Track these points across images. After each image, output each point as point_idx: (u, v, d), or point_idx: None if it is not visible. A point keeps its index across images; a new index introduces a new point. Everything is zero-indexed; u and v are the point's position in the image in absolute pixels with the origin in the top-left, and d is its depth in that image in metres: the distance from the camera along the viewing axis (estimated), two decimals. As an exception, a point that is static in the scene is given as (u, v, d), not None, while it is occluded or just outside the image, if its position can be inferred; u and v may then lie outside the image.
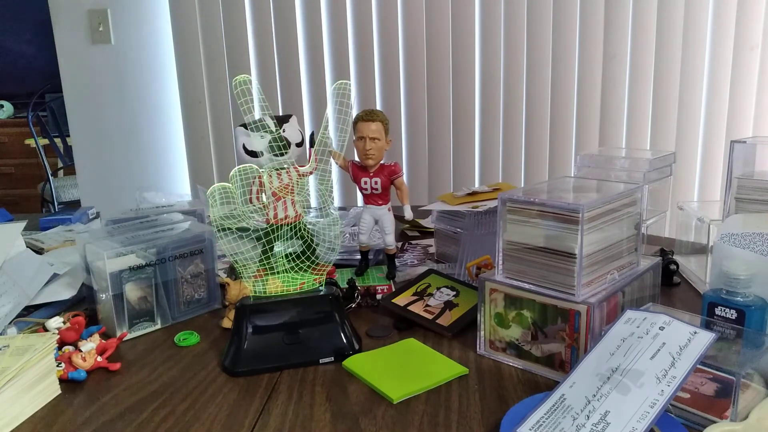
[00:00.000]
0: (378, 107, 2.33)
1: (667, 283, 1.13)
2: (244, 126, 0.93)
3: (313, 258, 0.94)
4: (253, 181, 0.95)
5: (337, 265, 1.22)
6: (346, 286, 1.08)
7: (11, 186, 4.36)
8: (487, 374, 0.84)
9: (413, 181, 2.36)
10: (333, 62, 2.33)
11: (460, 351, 0.91)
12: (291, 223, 0.94)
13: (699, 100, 2.23)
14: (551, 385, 0.76)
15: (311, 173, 0.97)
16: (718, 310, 0.80)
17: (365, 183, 1.13)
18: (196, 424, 0.74)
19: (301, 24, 2.31)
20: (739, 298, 0.78)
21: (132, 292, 0.99)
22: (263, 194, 0.95)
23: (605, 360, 0.69)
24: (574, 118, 2.30)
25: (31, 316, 1.04)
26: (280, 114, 0.96)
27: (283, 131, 0.93)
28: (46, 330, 0.96)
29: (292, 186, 0.94)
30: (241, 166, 0.91)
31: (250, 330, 0.88)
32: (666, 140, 2.26)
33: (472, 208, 1.18)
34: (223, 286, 1.04)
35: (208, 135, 2.44)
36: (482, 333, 0.89)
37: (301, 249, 0.94)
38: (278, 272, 0.93)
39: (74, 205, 3.47)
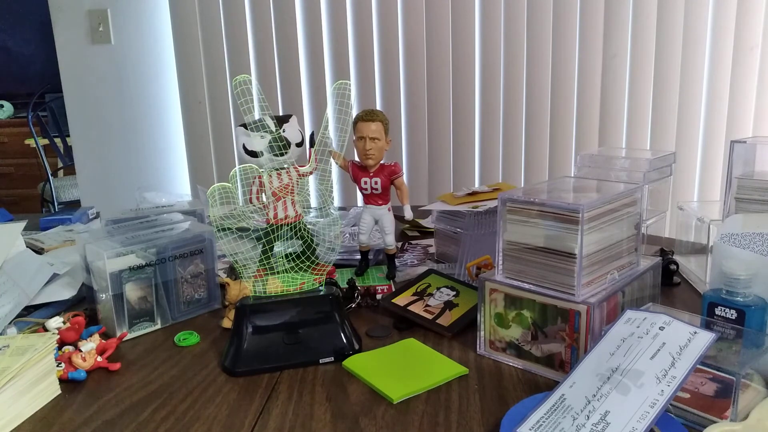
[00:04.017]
0: (378, 107, 2.33)
1: (667, 283, 1.13)
2: (244, 126, 0.93)
3: (313, 258, 0.94)
4: (253, 181, 0.95)
5: (337, 265, 1.22)
6: (346, 286, 1.08)
7: (11, 186, 4.36)
8: (487, 374, 0.84)
9: (413, 181, 2.36)
10: (333, 62, 2.33)
11: (460, 351, 0.91)
12: (291, 223, 0.94)
13: (699, 100, 2.23)
14: (551, 385, 0.76)
15: (311, 173, 0.97)
16: (718, 310, 0.80)
17: (365, 183, 1.13)
18: (196, 424, 0.74)
19: (301, 24, 2.31)
20: (739, 298, 0.78)
21: (132, 292, 0.99)
22: (263, 194, 0.95)
23: (605, 360, 0.69)
24: (574, 118, 2.30)
25: (31, 316, 1.04)
26: (280, 114, 0.96)
27: (283, 131, 0.94)
28: (46, 330, 0.96)
29: (292, 186, 0.94)
30: (241, 166, 0.91)
31: (250, 330, 0.88)
32: (666, 140, 2.26)
33: (472, 208, 1.18)
34: (223, 286, 1.04)
35: (208, 135, 2.44)
36: (482, 333, 0.89)
37: (301, 249, 0.94)
38: (278, 272, 0.93)
39: (74, 205, 3.47)
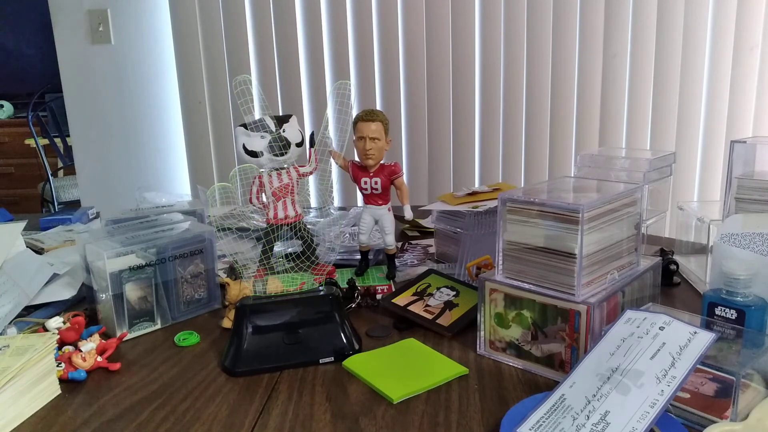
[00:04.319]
0: (378, 107, 2.33)
1: (667, 283, 1.13)
2: (244, 126, 0.93)
3: (313, 258, 0.94)
4: (253, 181, 0.95)
5: (337, 265, 1.22)
6: (346, 286, 1.08)
7: (11, 186, 4.36)
8: (487, 374, 0.84)
9: (413, 181, 2.36)
10: (333, 62, 2.33)
11: (460, 351, 0.91)
12: (291, 223, 0.94)
13: (699, 100, 2.23)
14: (551, 385, 0.76)
15: (311, 173, 0.97)
16: (718, 310, 0.80)
17: (365, 183, 1.13)
18: (196, 424, 0.74)
19: (301, 24, 2.31)
20: (739, 298, 0.78)
21: (132, 292, 0.99)
22: (263, 194, 0.95)
23: (605, 360, 0.69)
24: (574, 118, 2.30)
25: (31, 316, 1.04)
26: (280, 114, 0.96)
27: (283, 131, 0.94)
28: (46, 330, 0.96)
29: (292, 186, 0.94)
30: (241, 166, 0.91)
31: (250, 330, 0.88)
32: (666, 140, 2.26)
33: (472, 208, 1.18)
34: (223, 286, 1.04)
35: (208, 135, 2.44)
36: (482, 333, 0.89)
37: (301, 249, 0.94)
38: (278, 272, 0.93)
39: (74, 205, 3.47)
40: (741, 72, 2.18)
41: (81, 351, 0.88)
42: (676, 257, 1.19)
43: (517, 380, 0.82)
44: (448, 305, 1.01)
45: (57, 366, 0.84)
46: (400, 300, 1.03)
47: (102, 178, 2.49)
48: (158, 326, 1.03)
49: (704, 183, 2.29)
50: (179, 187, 2.48)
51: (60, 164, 3.79)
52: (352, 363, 0.86)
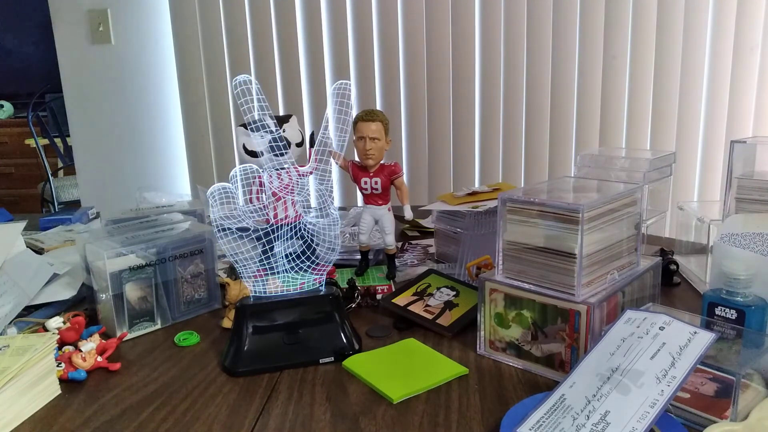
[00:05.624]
0: (378, 107, 2.33)
1: (667, 283, 1.13)
2: (244, 126, 0.93)
3: (313, 258, 0.94)
4: (253, 181, 0.95)
5: (337, 265, 1.22)
6: (346, 286, 1.08)
7: (11, 186, 4.36)
8: (487, 374, 0.84)
9: (413, 181, 2.36)
10: (333, 62, 2.33)
11: (460, 351, 0.91)
12: (291, 223, 0.94)
13: (699, 100, 2.23)
14: (551, 385, 0.76)
15: (311, 173, 0.97)
16: (718, 310, 0.80)
17: (365, 183, 1.13)
18: (196, 424, 0.74)
19: (301, 24, 2.31)
20: (739, 298, 0.79)
21: (132, 292, 0.99)
22: (263, 194, 0.95)
23: (605, 360, 0.69)
24: (574, 118, 2.30)
25: (31, 316, 1.04)
26: (280, 114, 0.96)
27: (283, 131, 0.94)
28: (46, 330, 0.96)
29: (292, 186, 0.94)
30: (241, 166, 0.91)
31: (250, 330, 0.88)
32: (666, 140, 2.26)
33: (472, 208, 1.18)
34: (223, 286, 1.04)
35: (208, 135, 2.44)
36: (482, 333, 0.89)
37: (301, 249, 0.94)
38: (278, 272, 0.93)
39: (74, 205, 3.47)
40: (741, 72, 2.18)
41: (81, 351, 0.88)
42: (676, 257, 1.19)
43: (517, 380, 0.82)
44: (448, 305, 1.01)
45: (57, 366, 0.84)
46: (400, 300, 1.03)
47: (102, 178, 2.49)
48: (158, 326, 1.03)
49: (704, 183, 2.28)
50: (179, 187, 2.48)
51: (60, 164, 3.79)
52: (352, 363, 0.86)
